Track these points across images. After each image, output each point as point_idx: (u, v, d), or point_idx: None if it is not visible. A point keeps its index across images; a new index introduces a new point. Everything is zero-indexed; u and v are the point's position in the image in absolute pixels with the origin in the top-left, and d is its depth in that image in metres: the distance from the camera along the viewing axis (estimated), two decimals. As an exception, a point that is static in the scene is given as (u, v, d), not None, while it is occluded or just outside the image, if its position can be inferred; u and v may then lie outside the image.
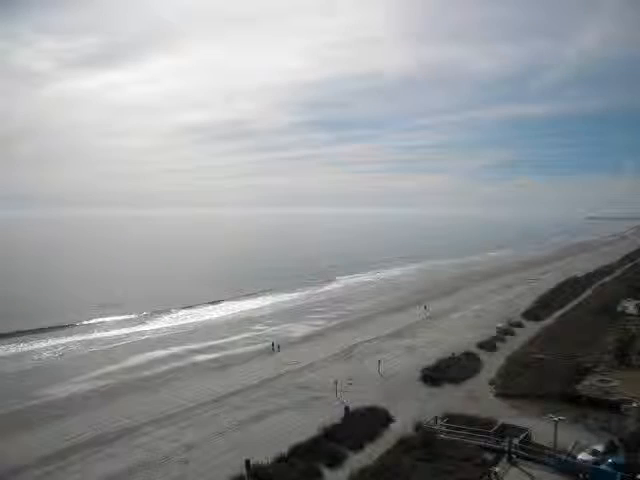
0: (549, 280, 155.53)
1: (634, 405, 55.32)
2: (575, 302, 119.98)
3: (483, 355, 77.09)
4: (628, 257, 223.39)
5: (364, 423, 51.62)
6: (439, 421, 51.41)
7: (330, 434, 49.14)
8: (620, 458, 42.61)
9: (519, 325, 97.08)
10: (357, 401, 57.53)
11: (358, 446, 47.57)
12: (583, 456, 43.83)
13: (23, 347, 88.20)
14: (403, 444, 46.93)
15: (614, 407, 55.05)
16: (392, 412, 54.64)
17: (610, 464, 41.69)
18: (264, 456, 44.39)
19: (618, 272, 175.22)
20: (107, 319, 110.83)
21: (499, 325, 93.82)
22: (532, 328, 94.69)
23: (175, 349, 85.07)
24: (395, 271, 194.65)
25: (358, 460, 44.84)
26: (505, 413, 54.61)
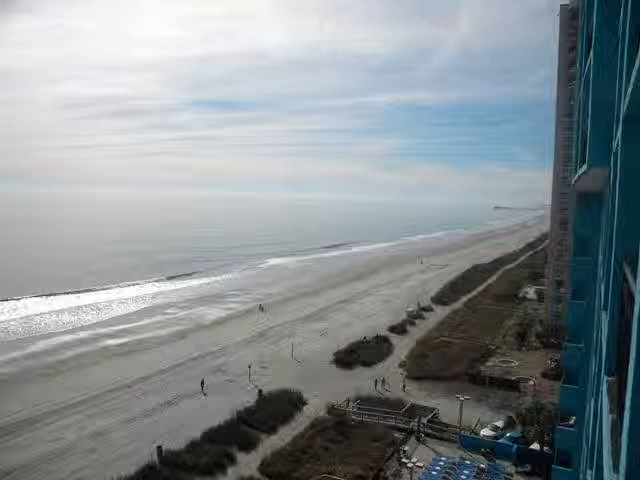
0: (458, 266, 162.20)
1: (530, 383, 59.62)
2: (481, 287, 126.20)
3: (394, 338, 79.46)
4: (530, 245, 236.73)
5: (278, 406, 51.92)
6: (351, 403, 52.72)
7: (243, 418, 49.15)
8: (517, 432, 46.17)
9: (429, 309, 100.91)
10: (271, 384, 57.80)
11: (271, 429, 47.94)
12: (485, 432, 46.94)
13: None
14: (316, 426, 47.77)
15: (513, 386, 58.93)
16: (305, 395, 55.31)
17: (508, 437, 45.35)
18: (176, 442, 43.72)
19: (521, 259, 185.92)
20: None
21: (409, 309, 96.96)
22: (441, 312, 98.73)
23: (82, 333, 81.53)
24: (300, 257, 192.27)
25: (271, 443, 45.17)
26: (414, 394, 56.85)
